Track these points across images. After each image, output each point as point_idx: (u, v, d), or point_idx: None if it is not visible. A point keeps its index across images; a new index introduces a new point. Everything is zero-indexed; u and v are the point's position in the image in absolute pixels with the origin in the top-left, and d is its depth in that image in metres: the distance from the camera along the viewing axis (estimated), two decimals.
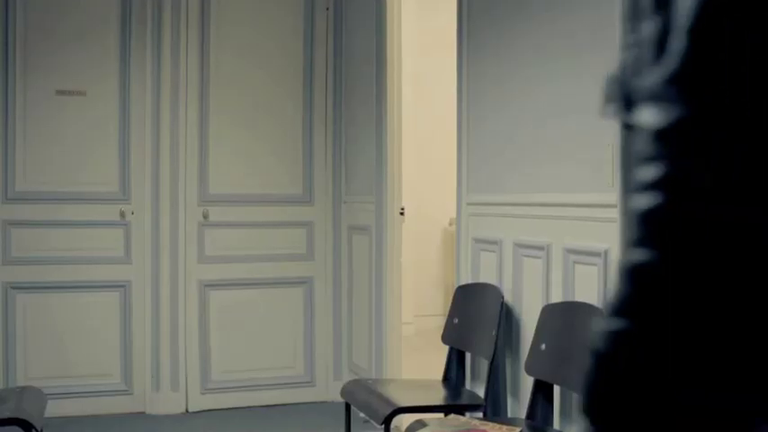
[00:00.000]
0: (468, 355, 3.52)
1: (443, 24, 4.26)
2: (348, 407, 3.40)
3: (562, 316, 2.83)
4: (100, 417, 4.61)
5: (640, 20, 0.71)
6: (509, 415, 3.14)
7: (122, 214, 4.73)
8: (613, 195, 2.56)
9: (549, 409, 2.84)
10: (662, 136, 0.64)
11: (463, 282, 3.63)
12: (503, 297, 3.19)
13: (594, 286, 2.70)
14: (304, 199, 4.96)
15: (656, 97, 0.64)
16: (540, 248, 3.03)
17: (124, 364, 4.74)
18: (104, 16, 4.69)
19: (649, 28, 0.68)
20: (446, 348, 3.51)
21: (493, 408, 3.09)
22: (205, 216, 4.81)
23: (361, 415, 3.63)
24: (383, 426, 2.99)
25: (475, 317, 3.35)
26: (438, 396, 3.31)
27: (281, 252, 4.91)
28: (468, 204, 3.64)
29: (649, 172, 0.63)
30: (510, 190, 3.28)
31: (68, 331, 4.64)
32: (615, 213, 2.55)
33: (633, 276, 0.64)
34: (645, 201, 0.63)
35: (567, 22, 2.91)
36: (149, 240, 4.74)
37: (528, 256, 3.14)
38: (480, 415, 3.07)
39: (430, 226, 6.44)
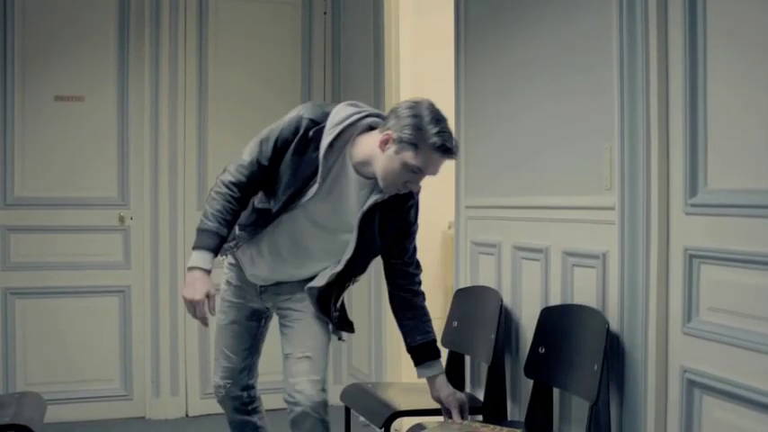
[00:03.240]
0: (467, 358, 3.52)
1: (441, 25, 4.25)
2: (348, 410, 3.41)
3: (561, 319, 2.83)
4: (100, 422, 4.62)
5: None
6: (508, 418, 3.14)
7: (121, 219, 4.73)
8: (611, 198, 2.57)
9: (548, 411, 2.84)
10: None
11: (462, 285, 3.63)
12: (501, 300, 3.19)
13: (593, 289, 2.70)
14: None
15: None
16: (539, 251, 3.03)
17: (124, 368, 4.74)
18: (102, 22, 4.70)
19: None
20: (445, 351, 3.51)
21: (492, 411, 3.09)
22: None
23: (361, 419, 3.62)
24: (383, 429, 2.99)
25: (474, 320, 3.36)
26: None
27: None
28: (467, 208, 3.65)
29: None
30: (508, 193, 3.29)
31: (68, 336, 4.64)
32: (613, 216, 2.55)
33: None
34: None
35: (567, 19, 2.91)
36: (148, 245, 4.74)
37: (526, 258, 3.14)
38: (480, 418, 3.07)
39: (429, 229, 6.42)
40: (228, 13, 4.88)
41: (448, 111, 3.84)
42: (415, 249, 2.79)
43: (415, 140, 2.47)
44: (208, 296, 2.51)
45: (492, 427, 2.76)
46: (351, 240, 2.64)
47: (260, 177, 2.62)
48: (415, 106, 2.53)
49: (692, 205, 2.30)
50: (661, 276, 2.40)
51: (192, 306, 2.52)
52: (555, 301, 2.93)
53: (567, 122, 2.87)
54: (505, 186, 3.31)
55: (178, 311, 4.74)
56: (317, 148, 2.55)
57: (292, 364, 2.66)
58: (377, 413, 3.07)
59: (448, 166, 3.84)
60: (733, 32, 2.17)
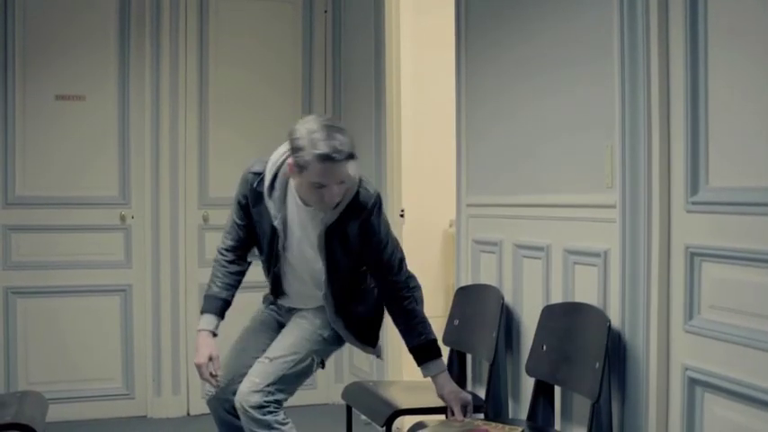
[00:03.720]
0: (468, 357, 3.52)
1: (441, 24, 4.25)
2: (349, 409, 3.41)
3: (562, 317, 2.83)
4: (101, 421, 4.62)
5: None
6: (510, 416, 3.14)
7: (122, 218, 4.74)
8: (612, 196, 2.57)
9: (549, 410, 2.84)
10: None
11: (463, 283, 3.63)
12: (503, 298, 3.19)
13: (594, 287, 2.70)
14: None
15: None
16: (540, 249, 3.03)
17: (125, 367, 4.74)
18: (103, 21, 4.70)
19: None
20: (447, 350, 3.51)
21: (494, 409, 3.09)
22: (205, 219, 4.82)
23: (363, 417, 3.63)
24: (384, 427, 2.99)
25: (475, 318, 3.36)
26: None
27: None
28: (468, 206, 3.65)
29: None
30: (509, 191, 3.29)
31: (69, 336, 4.64)
32: (614, 214, 2.55)
33: None
34: None
35: (567, 18, 2.91)
36: (150, 244, 4.74)
37: (528, 257, 3.14)
38: (481, 416, 3.07)
39: (430, 228, 6.43)
40: (229, 12, 4.88)
41: (448, 110, 3.86)
42: (391, 256, 2.82)
43: (303, 161, 2.56)
44: (211, 358, 2.73)
45: (494, 424, 2.76)
46: (321, 266, 2.77)
47: (245, 236, 2.87)
48: (297, 129, 2.61)
49: (694, 203, 2.31)
50: (662, 274, 2.40)
51: (198, 369, 2.74)
52: (556, 299, 2.93)
53: (568, 121, 2.87)
54: (507, 184, 3.31)
55: (179, 310, 4.75)
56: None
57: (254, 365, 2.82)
58: (378, 412, 3.08)
59: (449, 163, 3.86)
60: (734, 30, 2.17)
